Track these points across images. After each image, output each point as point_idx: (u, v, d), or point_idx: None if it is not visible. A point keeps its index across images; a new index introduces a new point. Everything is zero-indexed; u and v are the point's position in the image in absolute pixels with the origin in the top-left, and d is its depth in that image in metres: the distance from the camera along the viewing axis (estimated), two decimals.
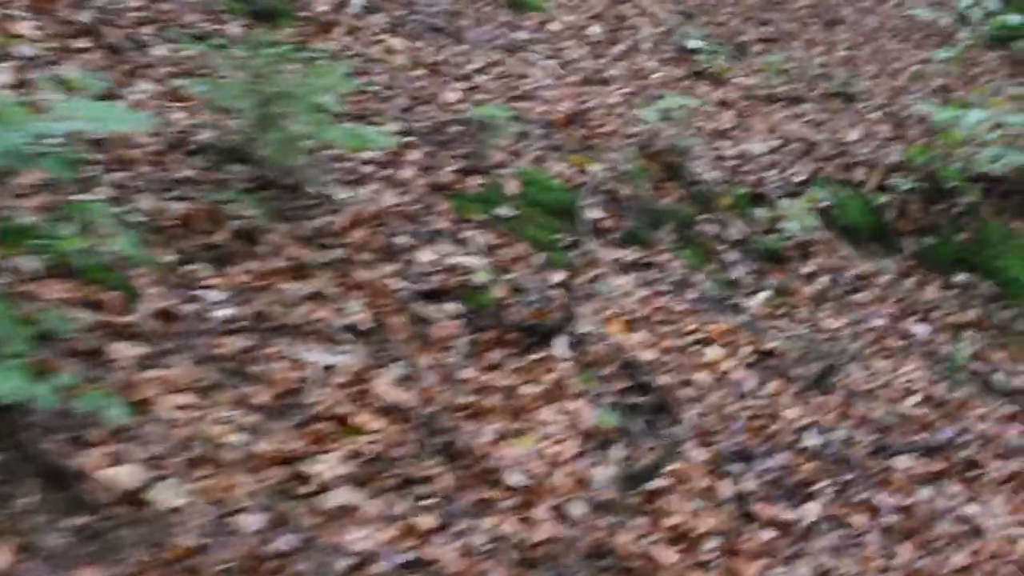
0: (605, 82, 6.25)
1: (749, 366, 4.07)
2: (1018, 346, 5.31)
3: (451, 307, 3.62)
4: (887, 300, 5.06)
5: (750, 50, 8.25)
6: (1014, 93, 6.75)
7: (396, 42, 5.81)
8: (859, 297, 5.00)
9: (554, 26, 7.09)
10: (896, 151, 6.12)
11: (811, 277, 4.96)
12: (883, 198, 5.63)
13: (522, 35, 6.71)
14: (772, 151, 5.87)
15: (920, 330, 4.92)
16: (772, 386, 4.00)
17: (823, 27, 9.76)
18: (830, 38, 9.41)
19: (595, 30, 7.31)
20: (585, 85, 6.07)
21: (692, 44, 7.70)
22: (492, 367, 3.50)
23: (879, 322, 4.85)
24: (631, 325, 3.98)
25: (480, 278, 3.78)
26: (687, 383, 3.82)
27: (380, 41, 5.75)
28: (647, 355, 3.85)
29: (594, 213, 4.54)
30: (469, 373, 3.41)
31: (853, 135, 6.35)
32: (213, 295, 3.15)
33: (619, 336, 3.88)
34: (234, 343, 3.01)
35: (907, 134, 6.57)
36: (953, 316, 5.21)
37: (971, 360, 4.95)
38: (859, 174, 5.78)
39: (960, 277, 5.57)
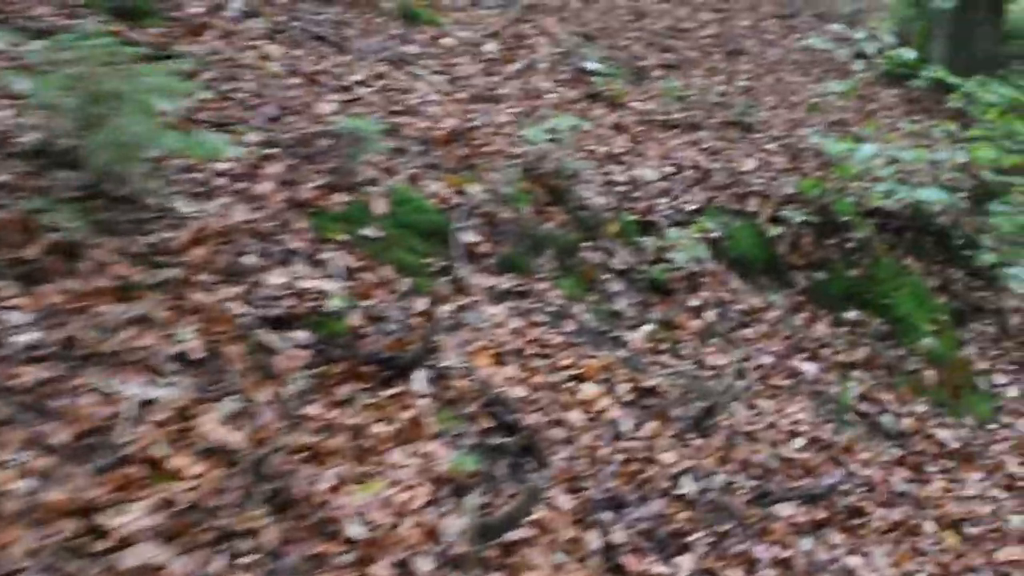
0: (496, 100, 5.98)
1: (626, 405, 3.81)
2: (907, 386, 5.17)
3: (299, 335, 3.29)
4: (776, 336, 4.87)
5: (650, 75, 8.09)
6: (908, 129, 6.68)
7: (273, 49, 5.47)
8: (747, 332, 4.79)
9: (447, 41, 6.81)
10: (791, 183, 5.97)
11: (698, 310, 4.74)
12: (776, 230, 5.46)
13: (412, 49, 6.42)
14: (665, 178, 5.66)
15: (808, 368, 4.73)
16: (649, 427, 3.74)
17: (725, 56, 9.69)
18: (731, 67, 9.33)
19: (490, 47, 7.06)
20: (474, 102, 5.80)
21: (590, 66, 7.51)
22: (340, 403, 3.17)
23: (766, 359, 4.65)
24: (501, 358, 3.69)
25: (335, 304, 3.45)
26: (558, 423, 3.54)
27: (255, 47, 5.40)
28: (516, 391, 3.56)
29: (469, 237, 4.25)
30: (313, 410, 3.07)
31: (748, 165, 6.19)
32: (15, 317, 2.76)
33: (487, 370, 3.59)
34: (35, 373, 2.63)
35: (803, 166, 6.44)
36: (842, 354, 5.04)
37: (859, 400, 4.78)
38: (752, 205, 5.61)
39: (851, 314, 5.42)
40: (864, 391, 4.85)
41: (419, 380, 3.37)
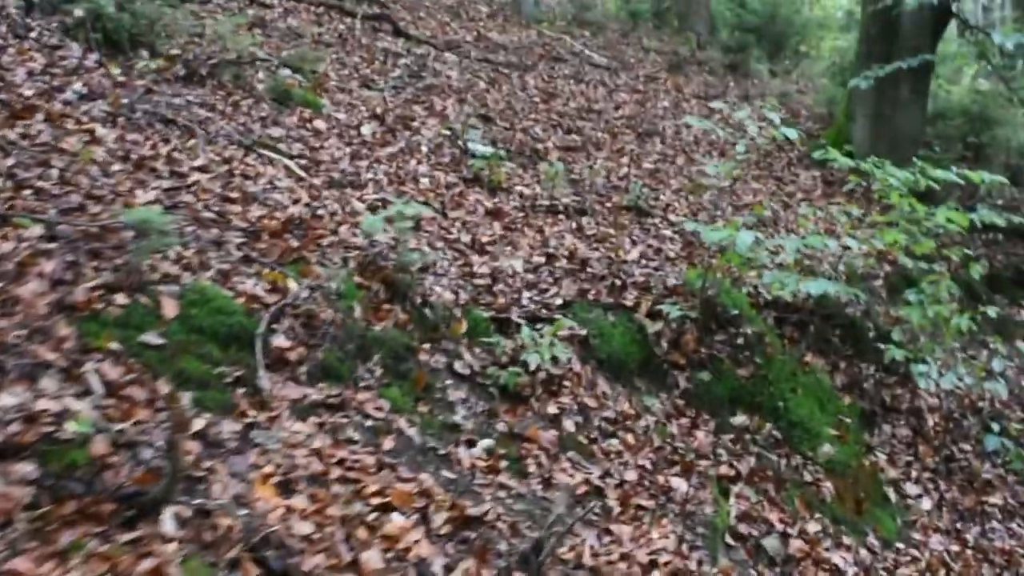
0: (356, 186, 5.50)
1: (441, 539, 3.24)
2: (800, 501, 4.64)
3: (21, 468, 2.70)
4: (645, 447, 4.34)
5: (546, 158, 7.67)
6: (809, 213, 6.26)
7: (105, 132, 4.98)
8: (612, 444, 4.25)
9: (320, 124, 6.36)
10: (678, 273, 5.50)
11: (555, 420, 4.21)
12: (655, 326, 4.97)
13: (276, 131, 5.95)
14: (534, 269, 5.18)
15: (679, 485, 4.19)
16: (464, 568, 3.17)
17: (636, 139, 9.33)
18: (641, 150, 8.96)
19: (368, 130, 6.61)
20: (329, 188, 5.31)
21: (480, 149, 7.07)
22: (59, 554, 2.58)
23: (630, 475, 4.10)
24: (288, 487, 3.12)
25: (77, 428, 2.88)
26: (348, 566, 2.96)
27: (85, 131, 4.90)
28: (301, 527, 2.99)
29: (279, 341, 3.71)
30: (22, 563, 2.48)
31: (633, 253, 5.74)
32: None
33: (268, 502, 3.01)
34: None
35: (697, 254, 5.99)
36: (724, 466, 4.51)
37: (739, 521, 4.23)
38: (631, 298, 5.11)
39: (738, 419, 4.91)
40: (746, 509, 4.31)
41: (170, 520, 2.79)
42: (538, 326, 4.55)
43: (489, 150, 7.30)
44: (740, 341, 5.19)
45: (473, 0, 16.59)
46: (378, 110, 7.27)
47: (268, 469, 3.16)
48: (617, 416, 4.45)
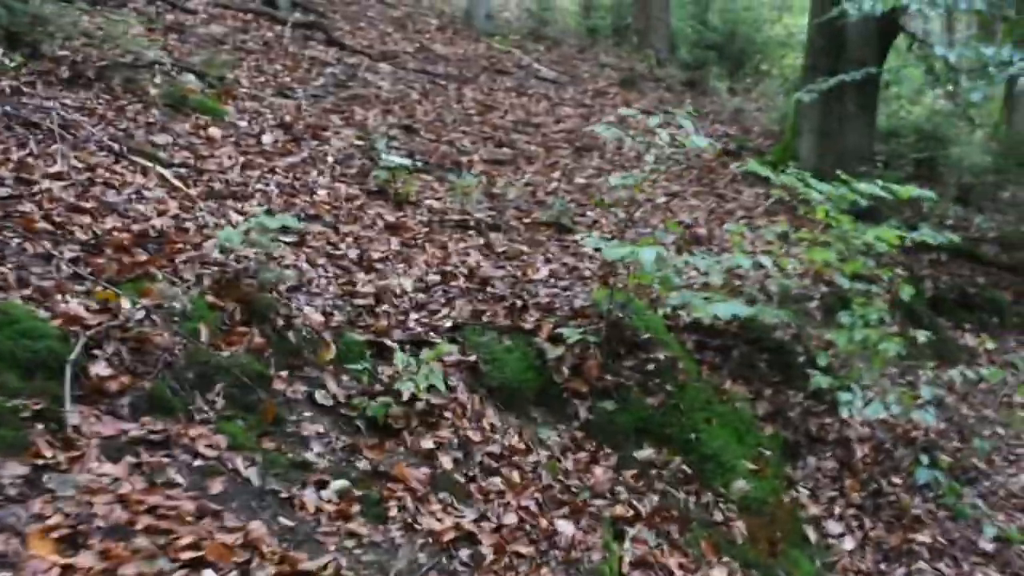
0: (242, 197, 5.06)
1: None
2: (708, 543, 4.22)
3: None
4: (531, 486, 3.90)
5: (469, 171, 7.25)
6: (738, 230, 5.88)
7: None
8: (492, 482, 3.82)
9: (215, 131, 5.91)
10: (588, 293, 5.09)
11: (429, 455, 3.77)
12: (556, 351, 4.54)
13: (162, 138, 5.52)
14: (427, 288, 4.76)
15: (566, 528, 3.76)
16: None
17: (574, 153, 8.94)
18: (577, 164, 8.56)
19: (270, 138, 6.17)
20: (208, 199, 4.87)
21: (396, 161, 6.64)
22: None
23: (510, 518, 3.67)
24: (79, 541, 2.66)
25: None
26: None
27: None
28: None
29: (98, 369, 3.26)
30: None
31: (544, 272, 5.32)
32: None
33: (43, 560, 2.56)
34: None
35: (616, 273, 5.57)
36: (621, 506, 4.08)
37: (633, 567, 3.80)
38: (533, 320, 4.69)
39: (643, 452, 4.50)
40: (643, 555, 3.89)
41: None
42: (420, 351, 4.12)
43: (405, 161, 6.88)
44: (651, 367, 4.78)
45: (423, 13, 16.23)
46: (287, 118, 6.84)
47: (53, 520, 2.70)
48: (504, 451, 4.02)
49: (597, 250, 4.66)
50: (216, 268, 3.99)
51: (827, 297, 6.89)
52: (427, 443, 3.81)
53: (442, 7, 18.52)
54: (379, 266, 4.77)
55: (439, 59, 11.94)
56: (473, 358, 4.34)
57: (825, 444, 5.44)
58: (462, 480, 3.77)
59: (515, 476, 3.92)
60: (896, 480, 5.45)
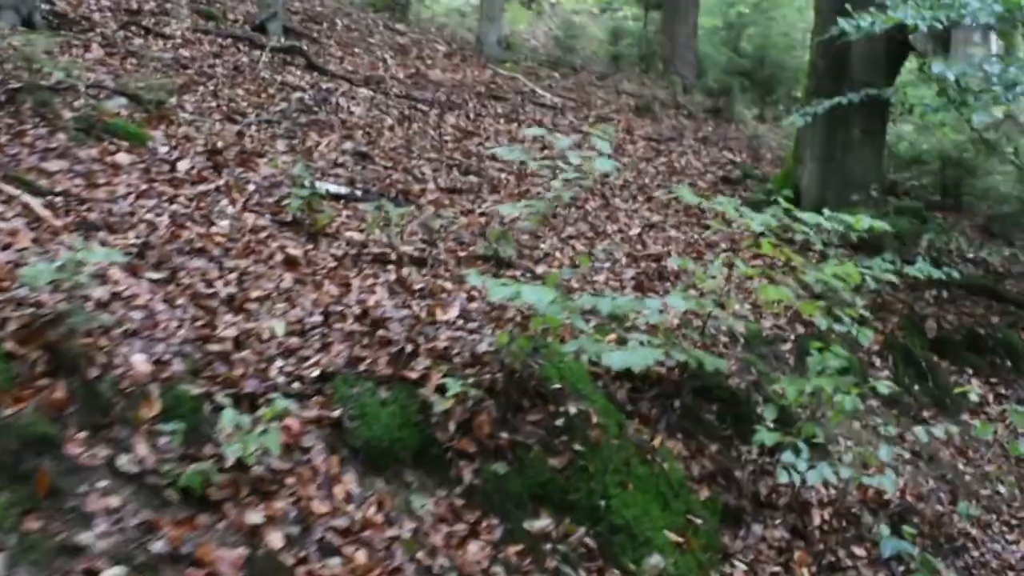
0: (116, 229, 4.59)
1: None
2: None
3: None
4: (378, 568, 3.33)
5: (417, 201, 6.74)
6: (682, 264, 5.26)
7: None
8: (329, 566, 3.26)
9: (123, 157, 5.46)
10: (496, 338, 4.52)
11: (254, 533, 3.22)
12: (444, 403, 3.98)
13: (55, 165, 5.09)
14: (302, 331, 4.22)
15: None
16: None
17: (550, 180, 8.34)
18: (549, 191, 7.97)
19: (187, 165, 5.71)
20: (75, 231, 4.40)
21: (332, 189, 6.16)
22: None
23: None
24: None
25: None
26: None
27: None
28: None
29: None
30: None
31: (452, 312, 4.77)
32: None
33: None
34: None
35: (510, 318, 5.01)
36: None
37: None
38: (421, 368, 4.14)
39: (538, 523, 3.91)
40: None
41: None
42: (273, 404, 3.58)
43: (343, 190, 6.39)
44: (558, 423, 4.19)
45: (433, 40, 15.85)
46: (219, 144, 6.39)
47: None
48: (354, 524, 3.46)
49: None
50: (32, 310, 3.49)
51: (802, 340, 6.24)
52: (254, 517, 3.26)
53: (463, 34, 18.16)
54: (253, 306, 4.25)
55: (431, 85, 11.48)
56: (337, 413, 3.79)
57: (776, 509, 4.80)
58: (290, 562, 3.21)
59: (360, 556, 3.35)
60: (859, 552, 4.79)
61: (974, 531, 5.53)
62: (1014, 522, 5.92)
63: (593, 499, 4.07)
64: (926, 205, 11.26)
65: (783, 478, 4.36)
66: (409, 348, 4.26)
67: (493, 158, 8.58)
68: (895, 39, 9.03)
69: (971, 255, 9.75)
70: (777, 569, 4.44)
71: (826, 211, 5.20)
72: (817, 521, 4.82)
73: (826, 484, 4.91)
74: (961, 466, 6.20)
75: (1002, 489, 6.12)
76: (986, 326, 7.92)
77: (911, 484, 5.68)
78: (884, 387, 4.77)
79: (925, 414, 6.63)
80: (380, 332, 4.36)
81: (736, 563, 4.37)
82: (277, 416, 3.46)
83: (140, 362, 3.53)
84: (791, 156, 10.16)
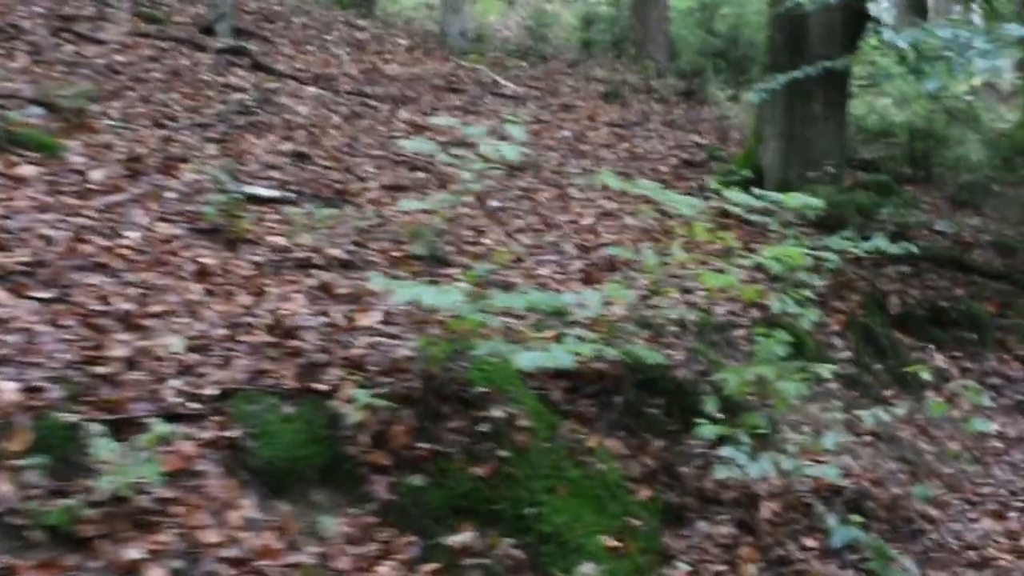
0: (6, 247, 4.34)
1: None
2: None
3: None
4: None
5: (355, 200, 6.50)
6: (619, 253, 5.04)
7: None
8: None
9: (29, 170, 5.22)
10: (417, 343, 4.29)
11: (131, 570, 2.98)
12: (356, 416, 3.74)
13: None
14: (205, 346, 3.98)
15: None
16: None
17: (503, 172, 8.11)
18: (501, 185, 7.77)
19: (102, 174, 5.47)
20: None
21: (264, 193, 5.92)
22: None
23: None
24: None
25: None
26: None
27: None
28: None
29: None
30: None
31: (374, 317, 4.53)
32: None
33: None
34: None
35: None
36: None
37: None
38: (333, 378, 3.91)
39: (459, 537, 3.67)
40: None
41: None
42: (167, 426, 3.34)
43: (274, 193, 6.16)
44: (483, 428, 3.96)
45: (394, 34, 15.58)
46: (142, 151, 6.13)
47: None
48: (248, 553, 3.22)
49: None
50: None
51: (756, 325, 6.00)
52: (133, 553, 3.03)
53: (431, 27, 17.85)
54: (149, 322, 4.00)
55: (385, 80, 11.22)
56: (235, 433, 3.55)
57: (722, 504, 4.57)
58: None
59: None
60: (810, 543, 4.57)
61: (934, 512, 5.31)
62: (976, 499, 5.71)
63: (520, 507, 3.84)
64: (896, 178, 11.03)
65: (721, 473, 4.13)
66: (322, 358, 4.02)
67: (443, 152, 8.32)
68: (851, 8, 8.80)
69: (938, 227, 9.52)
70: (722, 568, 4.22)
71: (757, 191, 5.00)
72: (766, 514, 4.59)
73: (775, 475, 4.68)
74: (923, 445, 5.97)
75: (966, 467, 5.90)
76: (950, 299, 7.70)
77: (869, 468, 5.45)
78: (827, 371, 4.54)
79: (887, 393, 6.41)
80: (292, 342, 4.12)
81: (678, 564, 4.15)
82: (162, 440, 3.22)
83: (9, 391, 3.29)
84: (751, 135, 9.91)
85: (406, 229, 5.83)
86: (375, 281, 3.86)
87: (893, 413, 5.04)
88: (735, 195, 4.55)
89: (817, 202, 4.62)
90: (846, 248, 6.69)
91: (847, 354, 6.57)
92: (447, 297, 3.59)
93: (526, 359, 3.66)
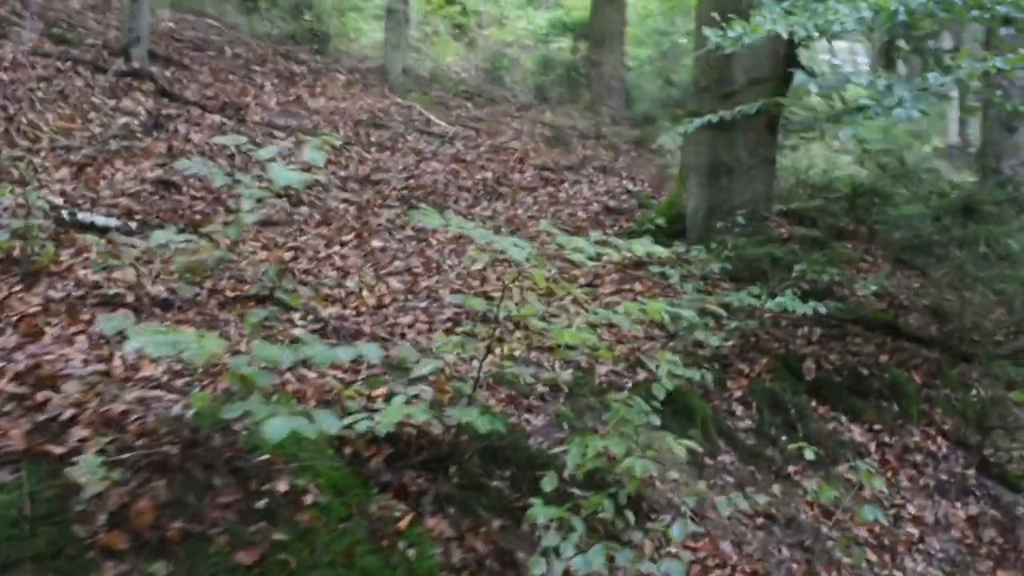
0: None
1: None
2: None
3: None
4: None
5: (209, 233, 5.85)
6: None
7: None
8: None
9: None
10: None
11: None
12: (96, 486, 3.10)
13: None
14: None
15: None
16: None
17: (401, 208, 7.57)
18: (392, 225, 7.18)
19: None
20: None
21: (101, 221, 5.31)
22: None
23: None
24: None
25: None
26: None
27: None
28: None
29: None
30: None
31: (160, 367, 3.90)
32: None
33: None
34: None
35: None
36: None
37: None
38: (76, 440, 3.27)
39: None
40: None
41: None
42: None
43: (112, 222, 5.54)
44: (262, 504, 3.33)
45: (336, 70, 15.09)
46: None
47: None
48: None
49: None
50: None
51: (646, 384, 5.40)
52: None
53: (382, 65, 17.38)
54: None
55: (304, 112, 10.67)
56: None
57: None
58: None
59: None
60: None
61: None
62: None
63: None
64: (837, 234, 10.53)
65: (537, 569, 3.50)
66: (69, 414, 3.38)
67: (344, 188, 7.76)
68: (778, 54, 8.35)
69: (858, 288, 8.96)
70: None
71: (643, 240, 4.41)
72: None
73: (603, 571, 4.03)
74: (825, 530, 5.36)
75: (871, 555, 5.29)
76: (873, 366, 7.12)
77: (758, 555, 4.84)
78: (680, 446, 3.92)
79: (791, 468, 5.81)
80: (40, 394, 3.48)
81: None
82: None
83: None
84: (677, 181, 9.40)
85: (253, 267, 5.21)
86: (105, 325, 3.21)
87: (738, 504, 4.30)
88: (619, 242, 3.98)
89: (663, 251, 4.03)
90: (753, 304, 6.17)
91: (748, 423, 5.98)
92: (195, 346, 2.95)
93: (273, 427, 3.02)
